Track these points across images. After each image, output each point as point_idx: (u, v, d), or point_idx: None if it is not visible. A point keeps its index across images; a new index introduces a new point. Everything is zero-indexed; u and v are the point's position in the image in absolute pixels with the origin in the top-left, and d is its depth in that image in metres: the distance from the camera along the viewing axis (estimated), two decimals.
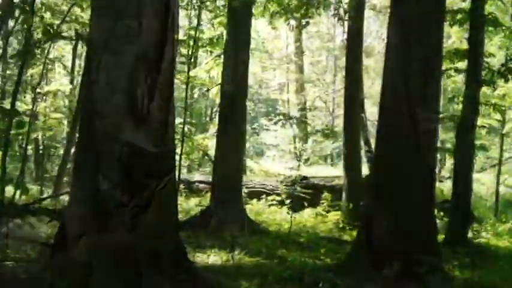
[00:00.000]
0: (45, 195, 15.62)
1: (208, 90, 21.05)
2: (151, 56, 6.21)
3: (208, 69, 18.42)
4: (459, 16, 12.65)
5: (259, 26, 25.13)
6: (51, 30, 15.25)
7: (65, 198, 13.51)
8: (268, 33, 31.68)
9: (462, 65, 12.73)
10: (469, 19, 11.89)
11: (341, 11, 13.77)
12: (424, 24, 8.05)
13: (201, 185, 17.29)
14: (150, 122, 6.15)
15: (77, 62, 24.37)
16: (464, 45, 12.77)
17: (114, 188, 5.96)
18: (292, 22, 16.61)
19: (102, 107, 6.12)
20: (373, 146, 12.33)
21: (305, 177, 15.77)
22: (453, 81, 18.70)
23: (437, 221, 9.77)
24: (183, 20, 25.86)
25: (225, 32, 14.73)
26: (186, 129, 16.16)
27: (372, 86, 30.35)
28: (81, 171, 6.32)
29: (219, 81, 14.42)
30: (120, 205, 5.94)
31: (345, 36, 17.67)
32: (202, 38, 17.60)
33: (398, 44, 8.18)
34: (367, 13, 27.01)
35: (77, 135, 6.83)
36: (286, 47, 34.51)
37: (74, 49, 23.18)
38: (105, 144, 6.06)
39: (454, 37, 19.06)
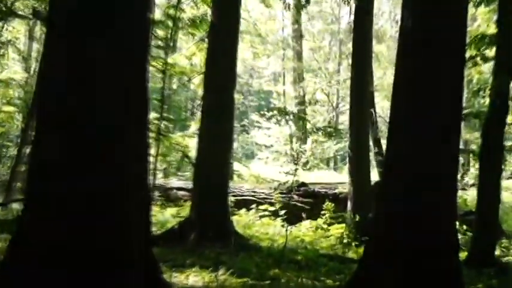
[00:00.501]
0: None
1: (189, 80, 21.00)
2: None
3: (190, 55, 18.40)
4: None
5: (250, 4, 25.18)
6: (3, 7, 15.18)
7: (18, 206, 13.40)
8: (261, 13, 31.77)
9: (490, 52, 12.75)
10: None
11: None
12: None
13: (180, 193, 17.26)
14: None
15: (34, 45, 24.30)
16: (492, 29, 12.78)
17: None
18: (290, 0, 16.60)
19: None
20: (384, 147, 12.34)
21: (303, 184, 15.72)
22: (479, 71, 18.73)
23: (460, 236, 9.75)
24: None
25: (209, 12, 14.70)
26: (162, 126, 16.11)
27: (384, 76, 30.48)
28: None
29: (202, 69, 14.38)
30: None
31: (352, 17, 17.68)
32: (182, 18, 17.55)
33: (415, 26, 8.17)
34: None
35: (33, 133, 6.78)
36: (282, 29, 34.62)
37: (30, 31, 23.11)
38: None
39: (480, 19, 19.11)
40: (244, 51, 28.89)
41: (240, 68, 28.16)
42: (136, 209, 6.34)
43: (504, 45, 11.40)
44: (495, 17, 12.26)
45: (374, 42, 21.13)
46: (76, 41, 6.14)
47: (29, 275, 5.79)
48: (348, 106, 16.14)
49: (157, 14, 17.55)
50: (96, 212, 5.98)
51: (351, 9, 18.13)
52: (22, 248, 6.00)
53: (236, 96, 14.66)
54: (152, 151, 12.90)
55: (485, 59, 13.03)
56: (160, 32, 16.91)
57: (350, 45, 22.41)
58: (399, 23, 8.83)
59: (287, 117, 21.92)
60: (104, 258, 5.93)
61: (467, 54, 11.03)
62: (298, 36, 31.67)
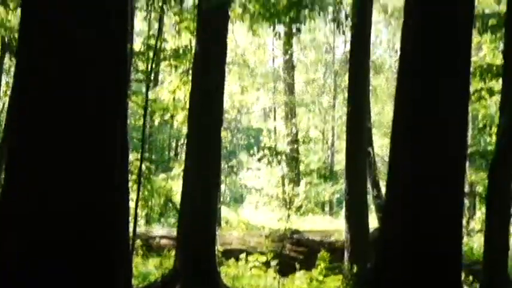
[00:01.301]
0: None
1: (172, 117, 21.10)
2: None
3: (173, 89, 18.50)
4: (492, 22, 12.83)
5: (238, 33, 25.33)
6: None
7: None
8: (249, 42, 31.93)
9: (496, 84, 12.87)
10: (504, 26, 12.02)
11: (342, 15, 13.91)
12: (449, 25, 8.14)
13: (163, 241, 17.21)
14: None
15: (3, 79, 24.35)
16: (499, 60, 12.91)
17: None
18: (280, 28, 16.78)
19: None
20: (383, 189, 12.39)
21: (297, 231, 15.72)
22: (484, 105, 18.90)
23: None
24: (140, 25, 26.20)
25: (194, 41, 14.81)
26: (143, 167, 16.14)
27: (382, 111, 30.64)
28: None
29: (187, 105, 14.45)
30: None
31: (348, 47, 17.87)
32: (165, 48, 17.69)
33: (416, 54, 8.26)
34: (376, 17, 27.53)
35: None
36: (272, 60, 34.76)
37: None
38: None
39: (485, 49, 19.33)
40: (231, 85, 29.02)
41: (227, 103, 28.29)
42: (116, 262, 6.38)
43: (511, 78, 11.49)
44: (501, 47, 12.39)
45: (371, 73, 21.31)
46: (45, 81, 6.26)
47: None
48: (344, 144, 16.21)
49: (137, 45, 17.66)
50: (69, 263, 6.05)
51: (346, 38, 18.28)
52: None
53: (223, 134, 14.73)
54: (132, 196, 12.90)
55: (491, 93, 13.15)
56: (140, 65, 17.04)
57: (346, 77, 22.59)
58: (398, 52, 8.94)
59: (279, 157, 21.99)
60: None
61: (472, 88, 11.15)
62: (290, 67, 31.87)
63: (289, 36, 16.31)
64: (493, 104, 17.22)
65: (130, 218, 7.36)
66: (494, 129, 12.42)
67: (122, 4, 6.60)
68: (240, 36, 27.57)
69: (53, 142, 6.19)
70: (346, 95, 17.45)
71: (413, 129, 8.23)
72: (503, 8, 12.82)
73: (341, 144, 28.01)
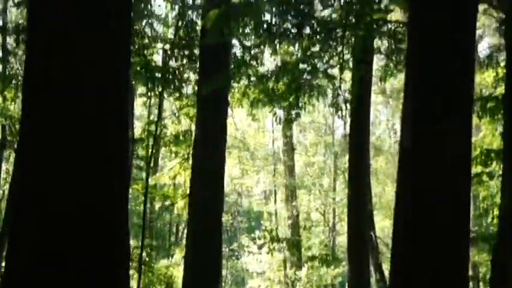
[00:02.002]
0: None
1: (172, 204, 21.09)
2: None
3: (173, 175, 18.55)
4: (490, 104, 12.95)
5: (238, 116, 25.57)
6: None
7: None
8: (248, 125, 32.17)
9: (496, 166, 12.91)
10: (503, 108, 12.12)
11: (340, 100, 14.04)
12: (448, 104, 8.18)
13: None
14: None
15: (3, 166, 24.42)
16: (498, 141, 12.97)
17: None
18: (279, 113, 16.91)
19: None
20: (386, 272, 12.29)
21: None
22: (486, 186, 18.89)
23: None
24: (140, 110, 26.41)
25: (193, 127, 14.92)
26: (144, 254, 16.06)
27: (383, 193, 30.64)
28: None
29: (187, 190, 14.48)
30: None
31: (347, 129, 17.99)
32: (164, 134, 17.83)
33: (416, 144, 8.30)
34: (375, 98, 27.76)
35: None
36: (272, 142, 34.88)
37: None
38: None
39: (485, 129, 19.39)
40: (232, 168, 29.13)
41: (227, 187, 28.29)
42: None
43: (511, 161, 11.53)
44: (500, 128, 12.48)
45: (372, 153, 21.40)
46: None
47: None
48: (345, 226, 16.18)
49: (138, 131, 17.83)
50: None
51: (345, 119, 18.46)
52: None
53: (224, 218, 14.72)
54: (133, 284, 12.82)
55: (491, 176, 13.19)
56: (140, 151, 17.16)
57: (346, 158, 22.66)
58: (398, 133, 8.99)
59: (280, 244, 21.84)
60: None
61: (472, 171, 11.17)
62: (290, 149, 31.95)
63: (288, 120, 16.43)
64: (493, 184, 17.23)
65: None
66: (496, 213, 12.39)
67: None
68: (239, 119, 27.81)
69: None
70: (346, 176, 17.48)
71: (415, 217, 8.22)
72: (501, 89, 12.99)
73: (343, 227, 27.92)
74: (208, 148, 13.03)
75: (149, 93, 16.82)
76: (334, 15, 13.03)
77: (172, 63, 15.73)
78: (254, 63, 13.63)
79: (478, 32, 16.21)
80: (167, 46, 16.01)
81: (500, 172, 11.95)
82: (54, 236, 6.01)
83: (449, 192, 8.07)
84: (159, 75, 15.31)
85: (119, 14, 6.57)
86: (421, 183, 8.12)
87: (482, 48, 19.89)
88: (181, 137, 17.38)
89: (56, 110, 6.21)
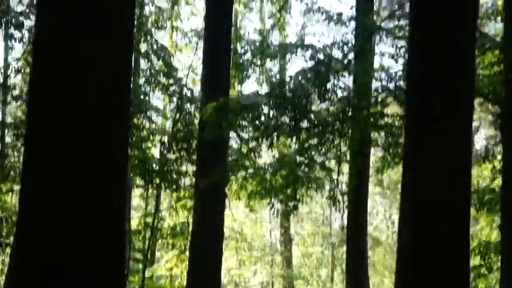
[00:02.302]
0: None
1: None
2: None
3: (170, 267, 18.44)
4: (488, 197, 12.97)
5: (235, 207, 25.55)
6: None
7: None
8: (246, 216, 32.12)
9: (495, 258, 12.85)
10: (500, 202, 12.13)
11: (337, 193, 14.07)
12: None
13: None
14: None
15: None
16: (496, 233, 12.96)
17: None
18: (277, 205, 16.90)
19: None
20: None
21: None
22: (484, 279, 18.75)
23: None
24: (137, 201, 26.37)
25: (191, 219, 14.90)
26: None
27: (381, 284, 30.41)
28: None
29: (184, 282, 14.38)
30: None
31: (345, 221, 17.95)
32: (162, 226, 17.79)
33: (415, 224, 8.25)
34: (372, 188, 27.80)
35: None
36: (269, 233, 34.80)
37: None
38: None
39: (482, 221, 19.36)
40: (229, 259, 28.97)
41: (224, 278, 28.06)
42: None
43: (510, 253, 11.48)
44: (498, 219, 12.48)
45: (369, 244, 21.34)
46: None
47: None
48: None
49: (135, 223, 17.80)
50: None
51: (343, 211, 18.45)
52: None
53: None
54: None
55: (490, 269, 13.12)
56: (138, 243, 17.09)
57: (344, 249, 22.55)
58: (396, 223, 8.96)
59: None
60: None
61: (471, 263, 11.13)
62: (287, 240, 31.88)
63: (286, 212, 16.43)
64: (492, 276, 17.13)
65: None
66: None
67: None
68: (236, 210, 27.77)
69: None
70: (344, 267, 17.39)
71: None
72: (498, 182, 13.02)
73: None
74: (206, 240, 13.02)
75: (147, 185, 16.88)
76: (331, 108, 13.19)
77: (170, 155, 15.83)
78: (252, 155, 13.71)
79: (475, 123, 16.36)
80: (165, 138, 16.15)
81: (499, 264, 11.92)
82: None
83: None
84: (157, 169, 15.39)
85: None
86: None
87: (479, 140, 20.01)
88: (178, 229, 17.34)
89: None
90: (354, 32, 13.61)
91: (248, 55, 14.98)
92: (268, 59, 15.73)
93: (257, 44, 16.61)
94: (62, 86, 6.22)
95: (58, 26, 6.35)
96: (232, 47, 15.02)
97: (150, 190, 18.20)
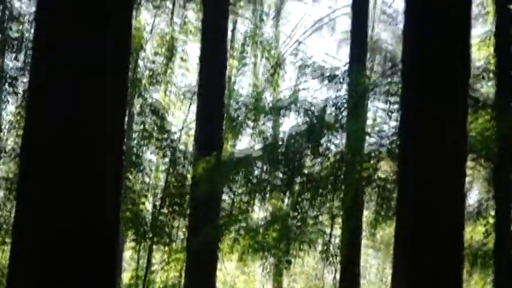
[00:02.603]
0: None
1: None
2: None
3: None
4: (481, 252, 12.99)
5: (228, 260, 25.42)
6: None
7: None
8: (237, 268, 31.95)
9: None
10: (494, 261, 12.15)
11: (331, 247, 14.03)
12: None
13: None
14: None
15: None
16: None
17: None
18: (270, 260, 16.82)
19: None
20: None
21: None
22: None
23: None
24: (130, 254, 26.23)
25: (183, 277, 14.84)
26: None
27: None
28: None
29: None
30: None
31: (337, 275, 17.87)
32: (153, 282, 17.67)
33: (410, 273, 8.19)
34: (365, 242, 27.75)
35: None
36: (262, 287, 34.67)
37: None
38: None
39: (476, 277, 19.27)
40: None
41: None
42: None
43: None
44: (492, 276, 12.52)
45: None
46: None
47: None
48: None
49: (126, 276, 17.69)
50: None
51: (336, 266, 18.42)
52: None
53: None
54: None
55: None
56: None
57: None
58: (389, 278, 8.89)
59: None
60: None
61: None
62: None
63: (280, 269, 16.38)
64: None
65: None
66: None
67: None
68: (229, 263, 27.62)
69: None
70: None
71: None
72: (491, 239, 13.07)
73: None
74: None
75: (139, 240, 16.80)
76: (325, 163, 13.22)
77: (163, 210, 15.81)
78: (245, 209, 13.70)
79: (468, 178, 16.39)
80: (158, 194, 16.15)
81: None
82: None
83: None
84: (149, 226, 15.38)
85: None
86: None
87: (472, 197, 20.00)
88: (170, 284, 17.22)
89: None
90: (347, 88, 13.69)
91: (242, 111, 15.04)
92: (262, 115, 15.79)
93: (251, 99, 16.70)
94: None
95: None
96: (226, 102, 15.10)
97: (143, 244, 18.09)
